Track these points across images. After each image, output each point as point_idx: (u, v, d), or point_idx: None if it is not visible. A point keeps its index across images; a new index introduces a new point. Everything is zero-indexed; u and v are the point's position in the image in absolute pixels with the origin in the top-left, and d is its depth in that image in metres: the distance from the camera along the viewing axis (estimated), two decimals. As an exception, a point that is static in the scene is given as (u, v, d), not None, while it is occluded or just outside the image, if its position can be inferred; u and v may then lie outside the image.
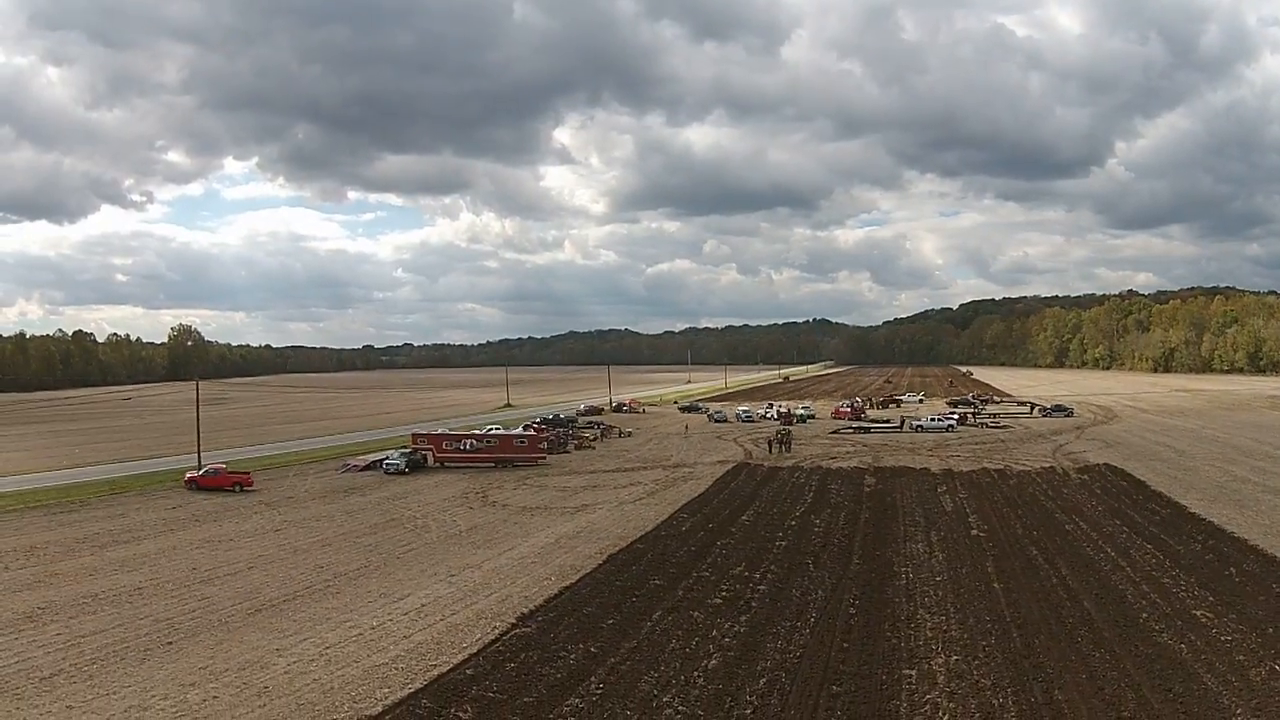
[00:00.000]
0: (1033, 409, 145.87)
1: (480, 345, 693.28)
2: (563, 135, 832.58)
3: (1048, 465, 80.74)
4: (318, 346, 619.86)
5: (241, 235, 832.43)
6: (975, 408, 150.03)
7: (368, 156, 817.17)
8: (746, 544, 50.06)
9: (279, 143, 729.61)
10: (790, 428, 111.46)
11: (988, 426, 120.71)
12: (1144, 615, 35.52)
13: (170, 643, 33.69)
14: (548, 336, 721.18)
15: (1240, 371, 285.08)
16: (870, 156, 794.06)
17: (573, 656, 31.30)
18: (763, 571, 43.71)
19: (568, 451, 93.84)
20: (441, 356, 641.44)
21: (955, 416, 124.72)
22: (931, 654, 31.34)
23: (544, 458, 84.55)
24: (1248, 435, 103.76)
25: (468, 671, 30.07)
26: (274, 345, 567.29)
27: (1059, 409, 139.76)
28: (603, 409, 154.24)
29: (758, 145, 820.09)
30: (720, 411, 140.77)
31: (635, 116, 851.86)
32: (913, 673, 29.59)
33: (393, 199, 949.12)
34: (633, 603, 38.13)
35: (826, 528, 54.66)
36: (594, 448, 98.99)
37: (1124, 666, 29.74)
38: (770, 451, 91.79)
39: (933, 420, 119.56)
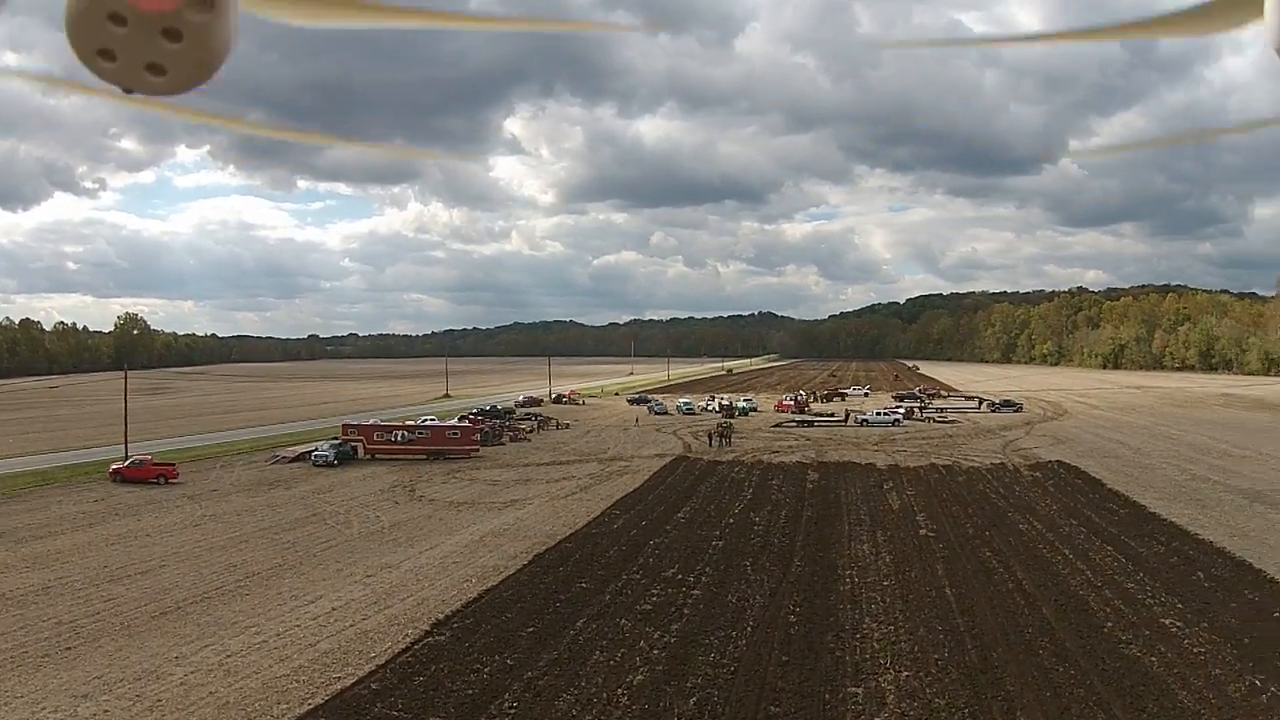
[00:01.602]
0: (980, 404, 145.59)
1: (425, 336, 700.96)
2: (514, 126, 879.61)
3: (998, 461, 79.85)
4: (264, 336, 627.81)
5: (192, 224, 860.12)
6: (922, 402, 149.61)
7: (318, 145, 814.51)
8: (681, 544, 48.29)
9: (231, 131, 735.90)
10: (731, 420, 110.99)
11: (935, 421, 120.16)
12: (1109, 624, 34.09)
13: (70, 648, 32.30)
14: (492, 328, 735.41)
15: (1192, 369, 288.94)
16: (821, 151, 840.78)
17: (487, 670, 29.63)
18: (697, 574, 41.91)
19: (502, 444, 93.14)
20: (386, 346, 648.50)
21: (901, 411, 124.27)
22: (879, 669, 29.62)
23: (477, 450, 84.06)
24: (1204, 433, 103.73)
25: (372, 685, 28.43)
26: (220, 335, 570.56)
27: (1007, 404, 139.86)
28: (542, 400, 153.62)
29: (708, 138, 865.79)
30: (661, 403, 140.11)
31: (587, 108, 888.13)
32: (859, 691, 27.85)
33: (342, 188, 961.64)
34: (556, 608, 36.29)
35: (766, 526, 53.03)
36: (530, 440, 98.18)
37: (1091, 683, 28.16)
38: (710, 445, 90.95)
39: (878, 415, 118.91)
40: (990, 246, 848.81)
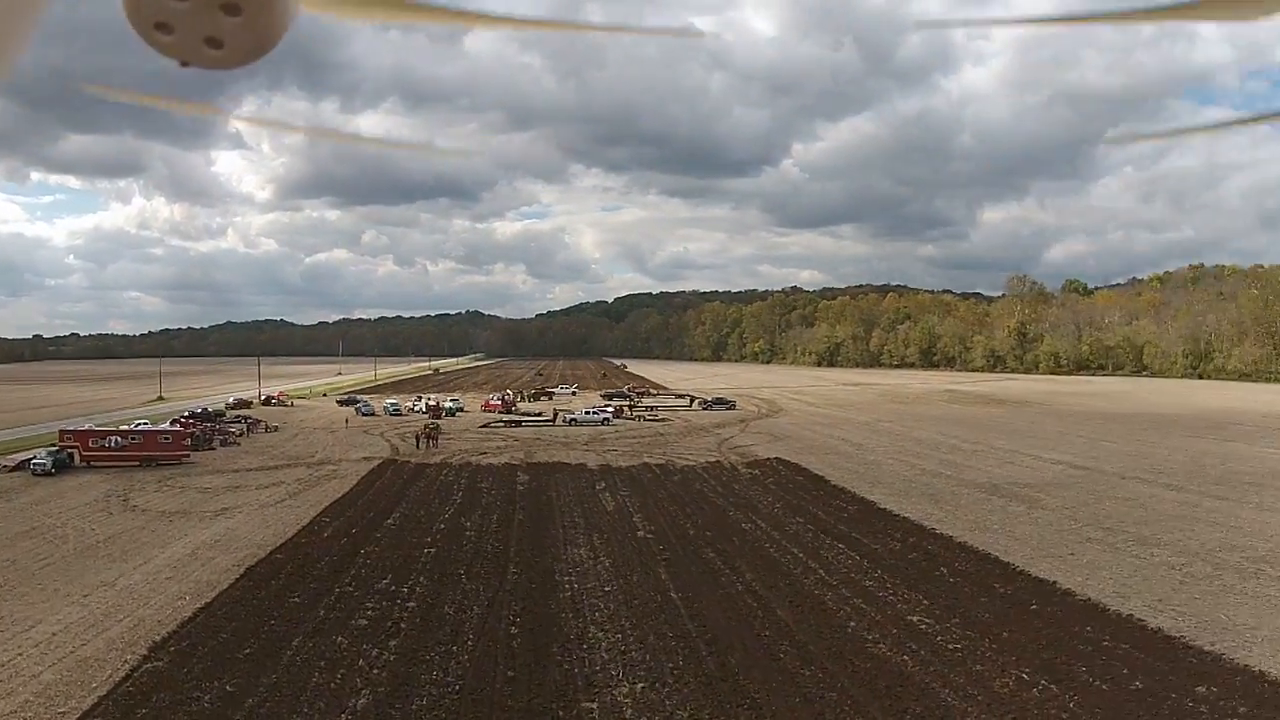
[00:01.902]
0: (692, 402, 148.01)
1: (142, 335, 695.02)
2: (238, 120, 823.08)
3: (713, 460, 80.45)
4: None
5: None
6: (631, 400, 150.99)
7: (53, 135, 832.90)
8: (393, 552, 46.48)
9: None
10: (439, 422, 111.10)
11: (645, 419, 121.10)
12: (852, 624, 33.72)
13: None
14: (206, 327, 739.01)
15: (912, 366, 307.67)
16: (538, 150, 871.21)
17: (208, 698, 28.31)
18: (411, 585, 40.12)
19: (213, 448, 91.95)
20: (105, 346, 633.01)
21: (610, 410, 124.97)
22: (613, 681, 28.24)
23: (188, 455, 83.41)
24: (930, 429, 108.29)
25: (96, 720, 26.55)
26: None
27: (720, 402, 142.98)
28: (251, 402, 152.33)
29: (427, 135, 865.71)
30: (368, 404, 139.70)
31: (311, 103, 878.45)
32: (594, 706, 26.47)
33: (72, 181, 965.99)
34: (271, 626, 34.53)
35: (479, 531, 51.40)
36: (239, 444, 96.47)
37: (842, 685, 27.48)
38: (418, 447, 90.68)
39: (587, 413, 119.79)
40: (703, 247, 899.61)
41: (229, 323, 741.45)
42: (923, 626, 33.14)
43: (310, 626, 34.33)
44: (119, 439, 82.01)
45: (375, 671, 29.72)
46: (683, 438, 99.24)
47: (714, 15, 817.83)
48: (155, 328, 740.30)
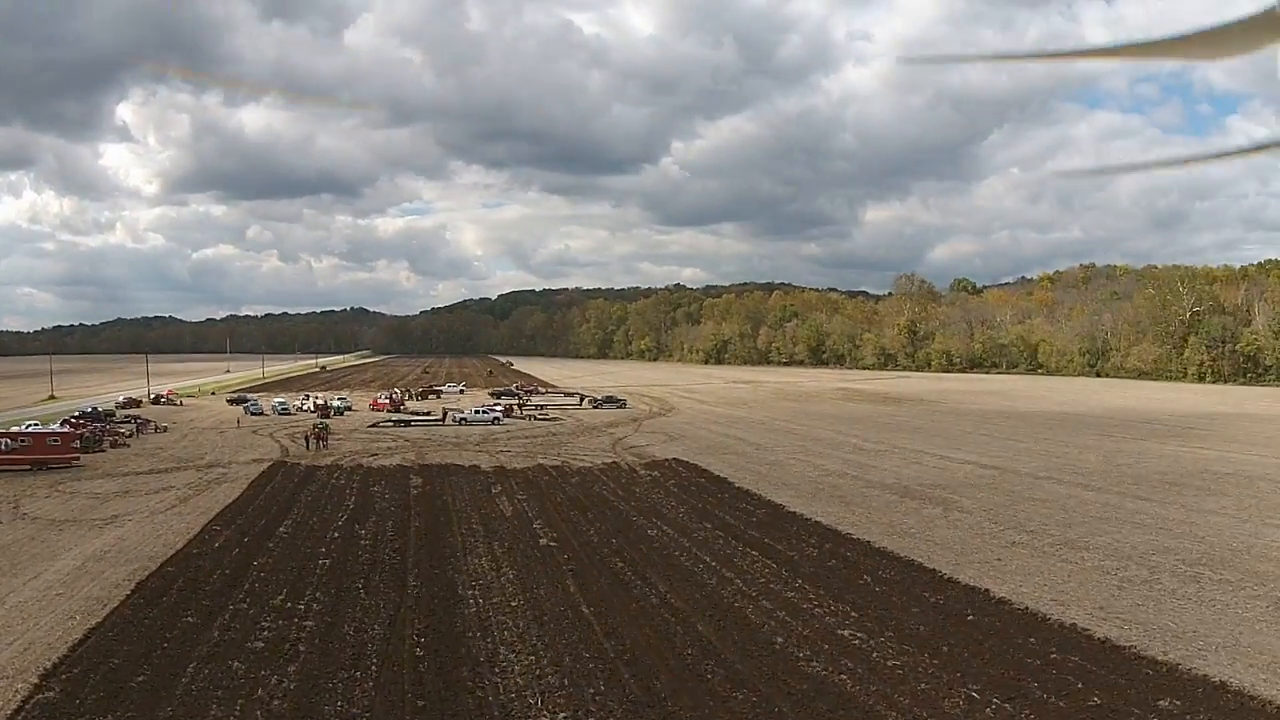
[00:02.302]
0: (582, 400, 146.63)
1: (35, 332, 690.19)
2: (125, 112, 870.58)
3: (609, 460, 78.38)
4: None
5: None
6: (520, 399, 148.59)
7: None
8: (287, 564, 43.67)
9: None
10: (327, 421, 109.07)
11: (535, 419, 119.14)
12: (779, 639, 31.69)
13: None
14: (97, 323, 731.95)
15: (801, 364, 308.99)
16: (418, 146, 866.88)
17: None
18: (308, 601, 37.38)
19: (103, 450, 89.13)
20: None
21: (500, 408, 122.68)
22: (531, 710, 25.90)
23: (78, 458, 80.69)
24: (827, 427, 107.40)
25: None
26: None
27: (610, 400, 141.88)
28: (141, 401, 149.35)
29: (309, 130, 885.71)
30: (257, 403, 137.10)
31: (195, 95, 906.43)
32: None
33: None
34: (165, 650, 31.87)
35: (374, 540, 48.71)
36: (129, 445, 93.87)
37: (778, 709, 25.48)
38: (308, 448, 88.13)
39: (477, 413, 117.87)
40: (584, 244, 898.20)
41: (119, 319, 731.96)
42: (856, 641, 31.24)
43: (205, 650, 31.58)
44: (8, 441, 78.71)
45: (276, 702, 27.15)
46: (576, 437, 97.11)
47: (593, 12, 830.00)
48: (48, 324, 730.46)
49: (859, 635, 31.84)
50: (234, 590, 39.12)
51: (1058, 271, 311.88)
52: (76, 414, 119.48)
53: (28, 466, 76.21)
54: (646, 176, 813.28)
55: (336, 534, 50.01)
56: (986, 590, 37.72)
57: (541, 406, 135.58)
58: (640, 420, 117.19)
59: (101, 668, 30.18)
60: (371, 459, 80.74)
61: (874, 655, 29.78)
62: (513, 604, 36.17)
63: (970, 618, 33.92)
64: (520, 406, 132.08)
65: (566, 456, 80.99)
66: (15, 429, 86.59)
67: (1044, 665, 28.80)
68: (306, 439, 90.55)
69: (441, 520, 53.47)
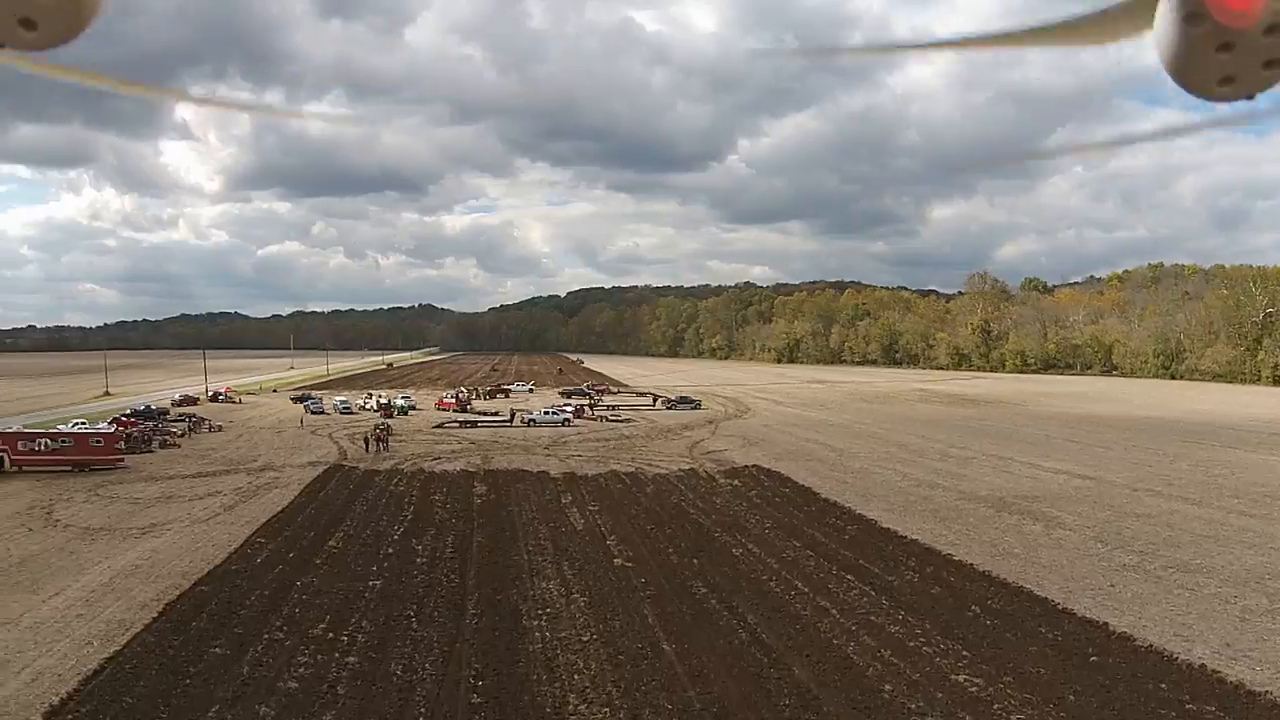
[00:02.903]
0: (655, 401, 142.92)
1: (98, 328, 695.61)
2: (185, 110, 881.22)
3: (686, 467, 74.81)
4: None
5: None
6: (592, 399, 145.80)
7: (2, 125, 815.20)
8: (333, 585, 40.31)
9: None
10: (389, 422, 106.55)
11: (607, 420, 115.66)
12: (888, 688, 28.05)
13: None
14: (160, 319, 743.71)
15: (873, 364, 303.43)
16: (483, 143, 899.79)
17: None
18: (352, 631, 34.02)
19: (151, 451, 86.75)
20: (60, 339, 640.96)
21: (570, 409, 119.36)
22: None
23: (122, 460, 78.37)
24: (909, 431, 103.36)
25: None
26: None
27: (684, 401, 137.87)
28: (198, 399, 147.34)
29: (372, 127, 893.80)
30: (319, 402, 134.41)
31: (256, 93, 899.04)
32: None
33: (22, 171, 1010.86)
34: (187, 688, 28.75)
35: (432, 557, 45.33)
36: (180, 446, 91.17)
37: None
38: (367, 450, 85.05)
39: (546, 413, 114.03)
40: (651, 242, 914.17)
41: (183, 315, 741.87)
42: (973, 689, 27.53)
43: (231, 690, 28.29)
44: (49, 442, 76.72)
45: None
46: (650, 441, 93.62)
47: (654, 9, 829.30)
48: (111, 320, 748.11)
49: (975, 681, 28.11)
50: (271, 616, 36.06)
51: (1126, 271, 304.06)
52: (128, 412, 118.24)
53: (69, 468, 74.34)
54: (713, 174, 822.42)
55: (390, 550, 46.87)
56: (1105, 624, 33.94)
57: (614, 407, 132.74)
58: (716, 422, 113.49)
59: (112, 707, 27.28)
60: (434, 463, 77.75)
61: (995, 708, 26.11)
62: (584, 638, 32.63)
63: (1094, 658, 30.13)
64: (592, 407, 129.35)
65: (641, 462, 77.54)
66: (59, 428, 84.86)
67: (1181, 719, 25.17)
68: (366, 440, 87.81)
69: (506, 535, 50.16)
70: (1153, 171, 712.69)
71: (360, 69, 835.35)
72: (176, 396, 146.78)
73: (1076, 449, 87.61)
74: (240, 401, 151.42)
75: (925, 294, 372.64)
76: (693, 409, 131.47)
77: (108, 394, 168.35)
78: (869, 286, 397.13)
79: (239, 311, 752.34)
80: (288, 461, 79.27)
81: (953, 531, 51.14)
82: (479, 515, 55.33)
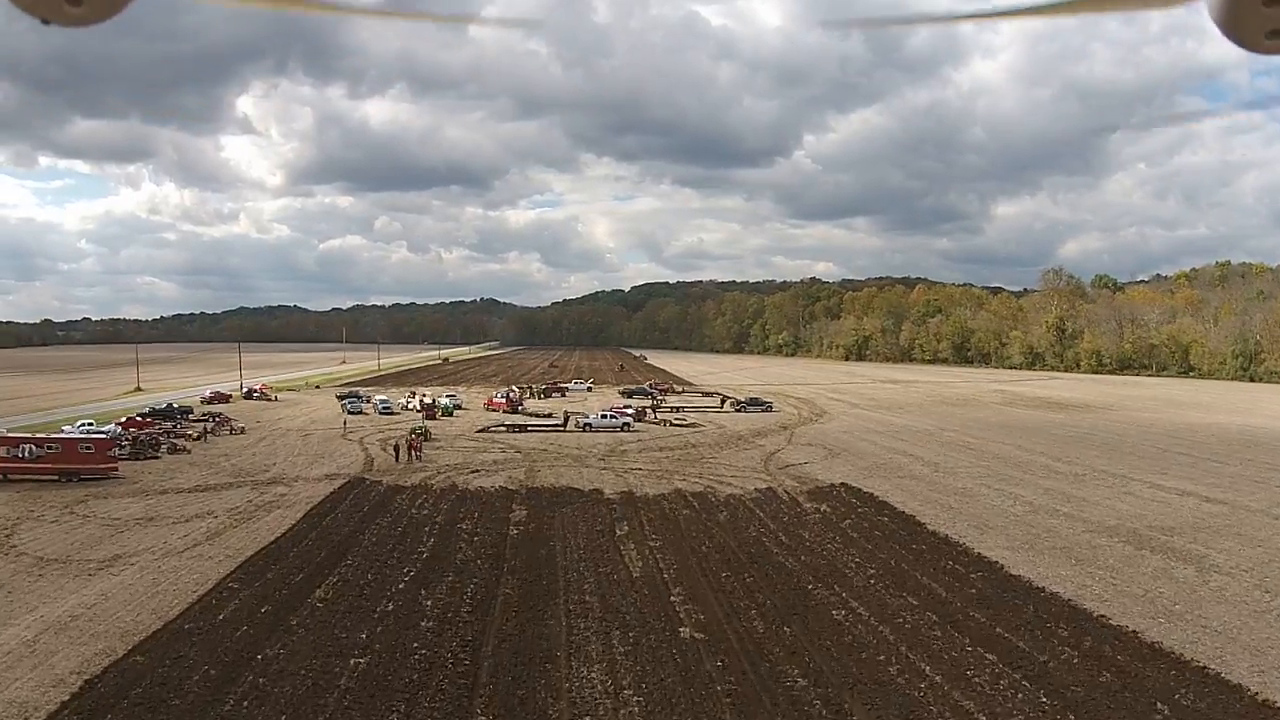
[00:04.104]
0: (724, 402, 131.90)
1: (154, 321, 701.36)
2: (246, 104, 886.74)
3: (764, 485, 63.95)
4: (4, 321, 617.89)
5: None
6: (655, 399, 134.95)
7: (60, 119, 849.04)
8: (304, 662, 30.46)
9: None
10: (431, 423, 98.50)
11: (671, 424, 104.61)
12: None
13: None
14: (218, 312, 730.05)
15: (944, 362, 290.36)
16: (548, 138, 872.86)
17: None
18: None
19: (158, 457, 78.87)
20: (115, 332, 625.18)
21: (631, 411, 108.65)
22: None
23: (115, 468, 70.56)
24: (1003, 440, 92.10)
25: None
26: None
27: (755, 402, 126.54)
28: (230, 396, 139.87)
29: (435, 122, 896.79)
30: (358, 400, 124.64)
31: (318, 88, 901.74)
32: None
33: (81, 166, 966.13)
34: None
35: (441, 619, 34.99)
36: (190, 451, 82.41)
37: None
38: (397, 459, 76.02)
39: (604, 416, 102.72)
40: (716, 237, 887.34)
41: (241, 308, 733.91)
42: None
43: None
44: (33, 448, 68.49)
45: None
46: (720, 450, 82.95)
47: (719, 4, 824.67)
48: (169, 313, 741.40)
49: None
50: (214, 707, 26.43)
51: (1194, 269, 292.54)
52: (146, 411, 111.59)
53: (56, 477, 66.73)
54: (779, 169, 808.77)
55: (391, 605, 36.51)
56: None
57: (678, 409, 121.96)
58: (791, 428, 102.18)
59: None
60: (470, 477, 67.79)
61: None
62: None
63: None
64: (654, 409, 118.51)
65: (710, 478, 66.89)
66: (41, 435, 75.84)
67: None
68: (396, 448, 78.47)
69: (543, 584, 39.56)
70: (1214, 168, 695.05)
71: (423, 64, 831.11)
72: (207, 393, 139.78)
73: (1189, 463, 76.70)
74: (276, 399, 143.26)
75: (994, 291, 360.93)
76: (764, 411, 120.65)
77: (139, 390, 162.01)
78: (936, 283, 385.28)
79: (299, 305, 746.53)
80: (303, 473, 69.87)
81: (1095, 580, 40.72)
82: (512, 553, 44.85)
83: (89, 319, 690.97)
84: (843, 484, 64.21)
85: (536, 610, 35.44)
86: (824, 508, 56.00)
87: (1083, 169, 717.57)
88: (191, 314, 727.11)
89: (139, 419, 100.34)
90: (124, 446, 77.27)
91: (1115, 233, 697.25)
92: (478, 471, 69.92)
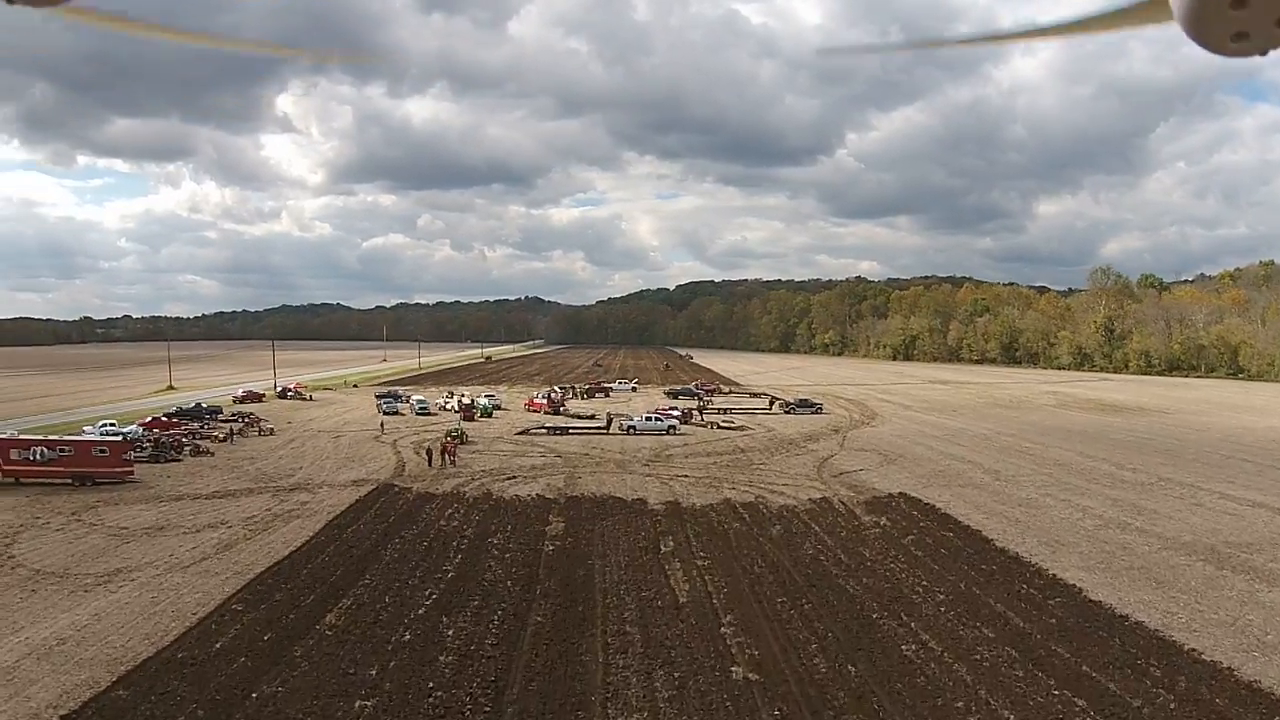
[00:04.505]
0: (772, 403, 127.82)
1: (195, 318, 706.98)
2: (285, 103, 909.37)
3: (819, 495, 59.95)
4: (44, 319, 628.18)
5: None
6: (701, 400, 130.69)
7: (98, 119, 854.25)
8: (304, 701, 27.17)
9: (17, 102, 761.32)
10: (468, 424, 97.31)
11: (719, 426, 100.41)
12: None
13: None
14: (260, 310, 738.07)
15: (993, 362, 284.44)
16: (590, 136, 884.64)
17: None
18: None
19: (179, 460, 75.82)
20: (156, 329, 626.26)
21: (677, 413, 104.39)
22: None
23: (131, 471, 67.14)
24: (1063, 445, 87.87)
25: None
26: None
27: (805, 404, 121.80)
28: (264, 395, 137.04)
29: (477, 120, 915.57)
30: (393, 400, 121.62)
31: (357, 87, 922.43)
32: None
33: (120, 165, 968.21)
34: None
35: (463, 652, 31.28)
36: (213, 453, 79.05)
37: None
38: (430, 464, 72.04)
39: (649, 419, 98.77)
40: (760, 236, 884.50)
41: (284, 306, 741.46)
42: None
43: None
44: (44, 450, 65.86)
45: None
46: (770, 455, 78.92)
47: (759, 2, 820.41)
48: (210, 311, 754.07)
49: None
50: None
51: (1238, 269, 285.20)
52: (172, 410, 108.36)
53: (69, 480, 64.13)
54: (821, 167, 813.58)
55: (408, 635, 32.93)
56: None
57: (725, 410, 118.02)
58: (843, 431, 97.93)
59: None
60: (506, 484, 63.94)
61: None
62: None
63: None
64: (701, 410, 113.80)
65: (761, 486, 62.99)
66: (53, 436, 72.90)
67: None
68: (428, 452, 74.77)
69: (578, 610, 35.83)
70: (1254, 167, 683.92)
71: (464, 62, 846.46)
72: (240, 392, 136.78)
73: (1254, 471, 72.39)
74: (310, 399, 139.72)
75: (1040, 291, 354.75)
76: (814, 413, 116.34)
77: (171, 388, 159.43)
78: (985, 282, 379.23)
79: (342, 303, 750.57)
80: (329, 478, 66.37)
81: (1180, 606, 36.89)
82: (546, 573, 41.16)
83: (129, 317, 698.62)
84: (901, 494, 60.28)
85: (570, 643, 31.71)
86: (884, 521, 52.07)
87: (1123, 167, 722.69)
88: (233, 312, 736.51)
89: (164, 419, 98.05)
90: (144, 448, 74.88)
91: (1155, 232, 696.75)
92: (514, 478, 66.28)
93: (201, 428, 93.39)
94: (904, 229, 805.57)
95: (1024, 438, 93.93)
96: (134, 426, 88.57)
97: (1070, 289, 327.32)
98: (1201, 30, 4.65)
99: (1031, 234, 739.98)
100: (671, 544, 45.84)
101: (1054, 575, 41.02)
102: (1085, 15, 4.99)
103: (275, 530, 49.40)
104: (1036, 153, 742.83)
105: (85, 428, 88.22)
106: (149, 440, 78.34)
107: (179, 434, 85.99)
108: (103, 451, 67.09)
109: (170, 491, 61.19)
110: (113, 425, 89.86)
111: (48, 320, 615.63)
